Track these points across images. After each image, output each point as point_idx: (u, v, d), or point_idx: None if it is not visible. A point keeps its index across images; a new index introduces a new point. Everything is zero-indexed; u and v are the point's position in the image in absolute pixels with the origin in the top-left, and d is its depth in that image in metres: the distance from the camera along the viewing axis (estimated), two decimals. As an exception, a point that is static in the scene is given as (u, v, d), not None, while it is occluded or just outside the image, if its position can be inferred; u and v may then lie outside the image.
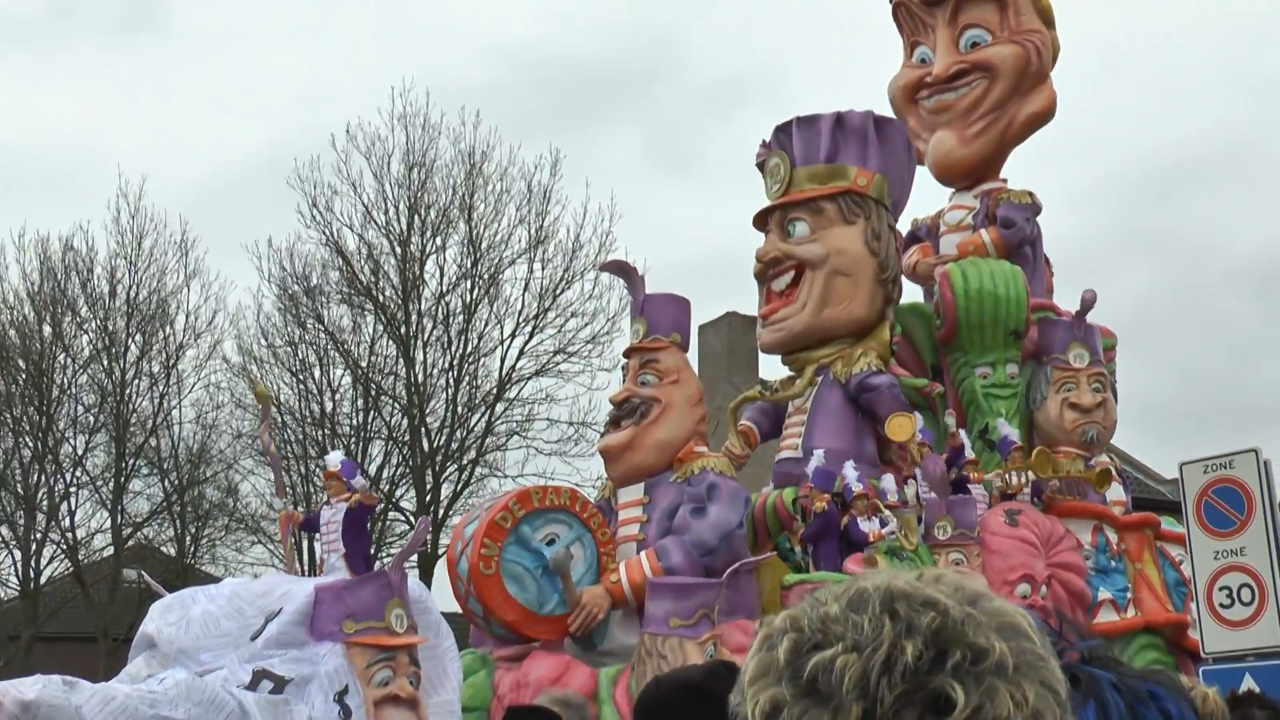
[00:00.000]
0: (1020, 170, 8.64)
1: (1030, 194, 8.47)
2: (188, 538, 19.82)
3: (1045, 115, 8.38)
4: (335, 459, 8.69)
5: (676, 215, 37.13)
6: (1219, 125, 41.69)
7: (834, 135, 7.48)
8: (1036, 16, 8.23)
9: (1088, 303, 7.82)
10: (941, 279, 7.64)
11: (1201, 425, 32.14)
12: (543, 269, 19.04)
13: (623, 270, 7.54)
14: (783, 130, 7.50)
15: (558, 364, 19.05)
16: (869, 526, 6.71)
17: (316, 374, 19.71)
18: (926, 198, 9.72)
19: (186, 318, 19.69)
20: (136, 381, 19.50)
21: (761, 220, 7.47)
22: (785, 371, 7.66)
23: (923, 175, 8.49)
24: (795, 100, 40.25)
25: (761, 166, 7.50)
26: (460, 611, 6.80)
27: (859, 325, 7.36)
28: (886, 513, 6.76)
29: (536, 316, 18.95)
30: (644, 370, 6.84)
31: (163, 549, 20.49)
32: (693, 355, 7.78)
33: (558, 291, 18.93)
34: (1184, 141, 41.01)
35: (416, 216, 19.39)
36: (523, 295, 19.05)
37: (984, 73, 8.45)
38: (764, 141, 7.60)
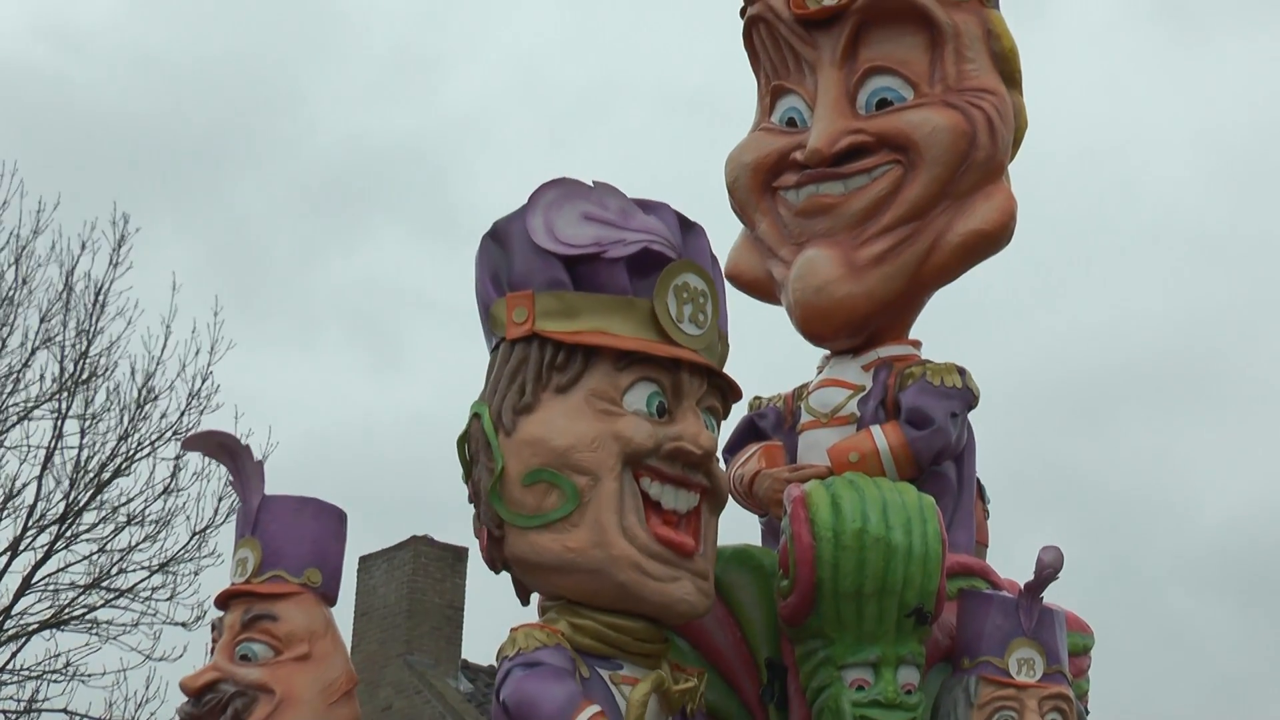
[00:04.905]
0: (939, 337, 9.18)
1: (960, 371, 9.22)
2: None
3: (994, 237, 7.95)
4: None
5: (285, 373, 32.13)
6: (1164, 328, 36.72)
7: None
8: (989, 64, 7.90)
9: (1047, 568, 8.03)
10: (795, 508, 7.10)
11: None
12: (83, 433, 16.67)
13: (223, 448, 7.35)
14: (692, 235, 7.45)
15: (94, 609, 16.50)
16: None
17: None
18: (770, 361, 9.44)
19: None
20: None
21: (655, 363, 7.19)
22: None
23: (769, 320, 8.66)
24: (470, 214, 36.45)
25: (642, 258, 6.34)
26: None
27: None
28: None
29: (63, 519, 16.76)
30: (248, 634, 6.86)
31: None
32: (343, 612, 7.54)
33: (105, 474, 16.80)
34: (1113, 344, 36.76)
35: None
36: (40, 477, 16.74)
37: (896, 153, 8.69)
38: (603, 188, 6.11)
